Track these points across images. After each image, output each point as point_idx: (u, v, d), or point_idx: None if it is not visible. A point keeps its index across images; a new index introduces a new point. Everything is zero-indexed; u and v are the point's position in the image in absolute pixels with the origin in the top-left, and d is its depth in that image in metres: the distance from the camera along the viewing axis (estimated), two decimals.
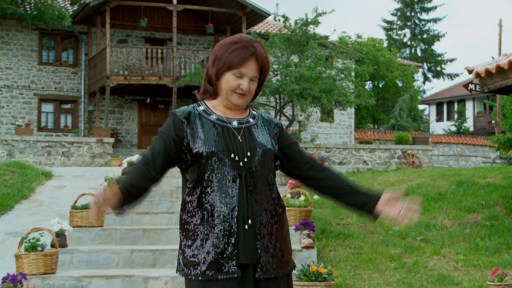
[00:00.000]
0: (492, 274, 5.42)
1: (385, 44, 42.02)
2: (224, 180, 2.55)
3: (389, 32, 48.97)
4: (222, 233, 2.52)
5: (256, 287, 2.56)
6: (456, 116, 41.32)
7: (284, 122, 22.43)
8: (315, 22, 19.57)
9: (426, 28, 48.84)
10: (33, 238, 5.85)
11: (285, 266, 2.64)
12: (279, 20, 20.49)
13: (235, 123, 2.65)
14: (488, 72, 8.31)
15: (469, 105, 42.25)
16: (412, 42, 48.76)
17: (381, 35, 73.80)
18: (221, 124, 2.62)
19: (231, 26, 24.15)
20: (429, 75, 49.55)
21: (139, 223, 8.25)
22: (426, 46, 48.57)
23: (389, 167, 17.27)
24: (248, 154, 2.58)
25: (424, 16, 48.96)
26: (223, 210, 2.53)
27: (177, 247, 5.35)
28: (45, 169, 13.15)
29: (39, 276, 5.80)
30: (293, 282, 5.37)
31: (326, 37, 20.42)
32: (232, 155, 2.56)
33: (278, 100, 19.92)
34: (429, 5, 48.60)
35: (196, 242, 2.55)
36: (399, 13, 48.51)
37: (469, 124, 40.65)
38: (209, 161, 2.55)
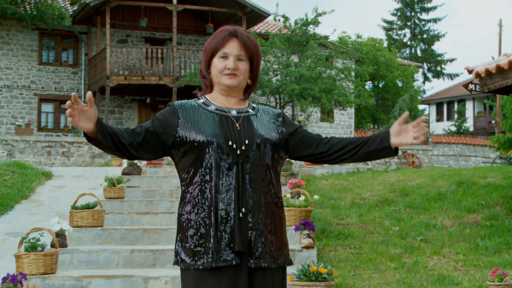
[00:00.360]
0: (492, 274, 5.41)
1: (385, 44, 42.01)
2: (221, 168, 2.55)
3: (389, 32, 48.99)
4: (219, 220, 2.52)
5: (251, 277, 2.56)
6: (456, 116, 41.33)
7: None
8: (315, 22, 19.57)
9: (426, 28, 48.86)
10: (33, 238, 5.85)
11: (279, 258, 2.62)
12: (279, 20, 20.49)
13: (234, 112, 2.68)
14: (488, 72, 8.31)
15: (469, 105, 42.25)
16: (412, 42, 48.77)
17: (381, 35, 73.91)
18: (219, 113, 2.65)
19: None
20: (429, 75, 49.57)
21: (139, 223, 8.26)
22: (426, 46, 48.58)
23: (389, 167, 17.23)
24: (246, 142, 2.60)
25: (424, 16, 49.00)
26: (220, 198, 2.54)
27: None
28: (45, 169, 13.14)
29: (39, 276, 5.80)
30: (293, 282, 5.38)
31: (326, 37, 20.42)
32: (230, 143, 2.57)
33: (278, 100, 19.90)
34: (429, 5, 48.63)
35: (193, 231, 2.55)
36: (399, 13, 48.52)
37: (469, 124, 40.65)
38: (207, 149, 2.56)
